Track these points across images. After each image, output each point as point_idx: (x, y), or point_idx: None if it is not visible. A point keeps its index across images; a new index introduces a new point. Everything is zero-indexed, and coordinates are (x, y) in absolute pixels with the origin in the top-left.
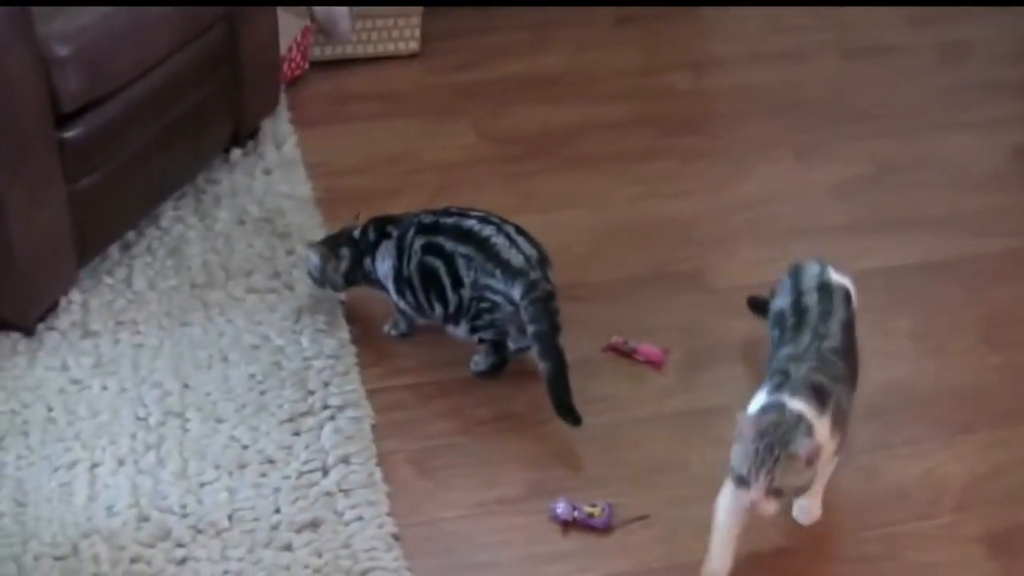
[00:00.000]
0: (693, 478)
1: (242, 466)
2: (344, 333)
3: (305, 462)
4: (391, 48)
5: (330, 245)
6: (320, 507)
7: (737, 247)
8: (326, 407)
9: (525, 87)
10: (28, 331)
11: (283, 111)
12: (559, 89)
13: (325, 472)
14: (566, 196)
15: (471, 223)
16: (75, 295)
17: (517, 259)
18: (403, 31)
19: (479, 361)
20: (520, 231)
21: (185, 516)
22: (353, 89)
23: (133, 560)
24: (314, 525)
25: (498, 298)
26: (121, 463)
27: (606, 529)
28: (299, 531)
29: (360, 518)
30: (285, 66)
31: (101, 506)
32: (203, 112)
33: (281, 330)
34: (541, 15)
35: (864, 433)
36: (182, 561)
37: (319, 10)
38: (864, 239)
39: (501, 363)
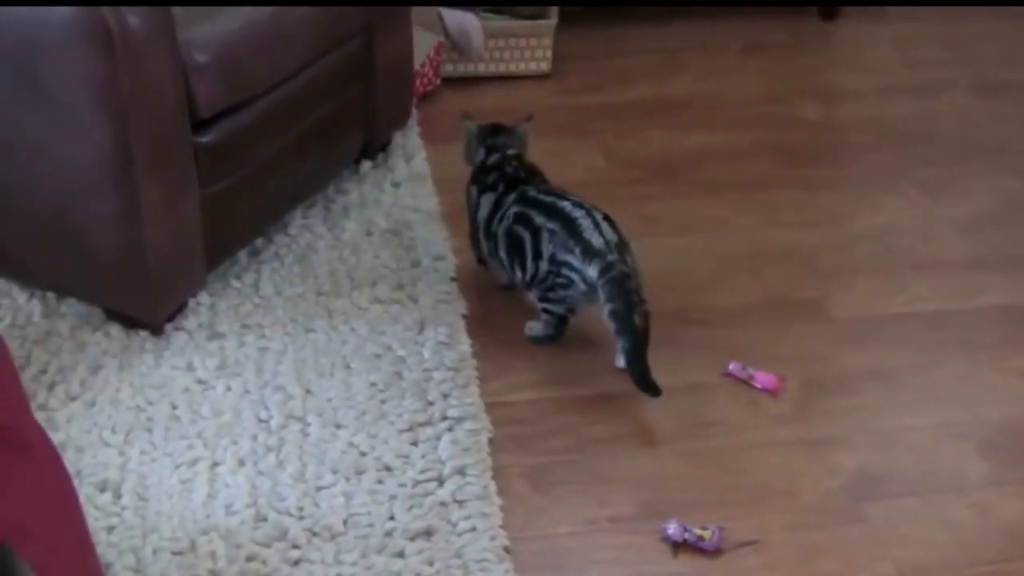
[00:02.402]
0: (804, 506)
1: (359, 472)
2: (465, 346)
3: (421, 471)
4: (522, 68)
5: (482, 135)
6: (434, 516)
7: (858, 278)
8: (445, 418)
9: (653, 111)
10: (156, 330)
11: (414, 125)
12: (686, 114)
13: (441, 482)
14: (689, 221)
15: (565, 204)
16: (203, 297)
17: (598, 241)
18: (535, 51)
19: (535, 328)
20: (607, 218)
21: (301, 518)
22: (483, 106)
23: (249, 559)
24: (427, 534)
25: (574, 275)
26: (241, 463)
27: (716, 552)
28: (412, 539)
29: (473, 529)
30: (417, 81)
31: (220, 504)
32: (336, 123)
33: (403, 340)
34: (670, 40)
35: (977, 470)
36: (296, 562)
37: (453, 27)
38: (984, 275)
39: (558, 336)
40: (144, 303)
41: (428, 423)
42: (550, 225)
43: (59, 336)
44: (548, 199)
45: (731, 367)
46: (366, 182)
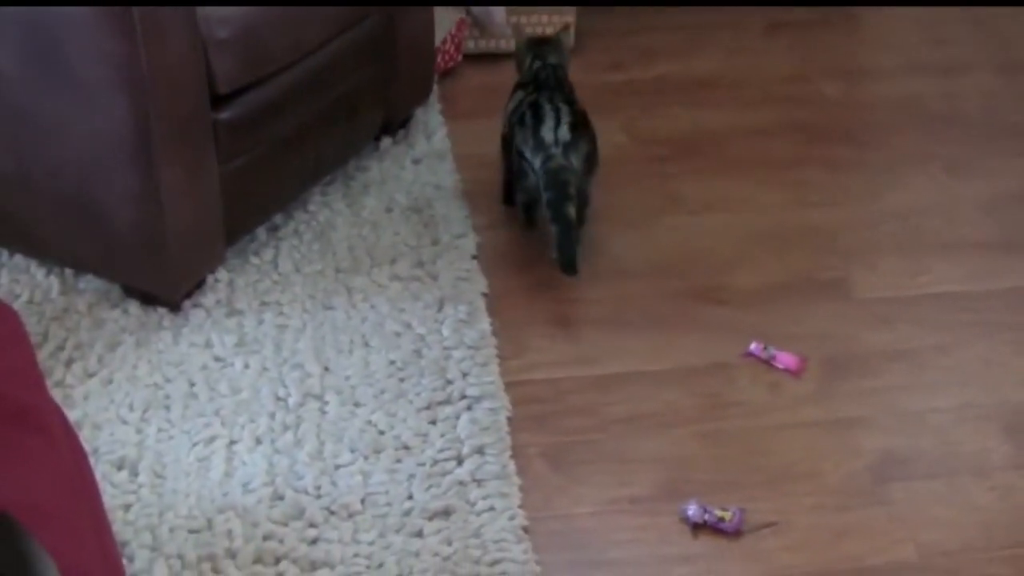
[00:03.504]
0: (826, 487)
1: (377, 451)
2: (485, 325)
3: (440, 450)
4: None
5: (530, 44)
6: (453, 496)
7: (881, 258)
8: (464, 397)
9: (675, 89)
10: (175, 307)
11: (435, 102)
12: (709, 92)
13: (459, 461)
14: (712, 200)
15: (545, 105)
16: (222, 274)
17: (549, 137)
18: (558, 28)
19: (519, 214)
20: (576, 124)
21: (319, 497)
22: (505, 83)
23: (266, 537)
24: (446, 513)
25: (525, 165)
26: (259, 441)
27: (736, 533)
28: (431, 518)
29: (492, 509)
30: (439, 57)
31: (237, 483)
32: (356, 99)
33: (423, 319)
34: (694, 18)
35: (1001, 452)
36: (313, 541)
37: (475, 4)
38: (1010, 256)
39: (528, 225)
40: (162, 280)
41: (447, 402)
42: (527, 121)
43: (77, 313)
44: (545, 102)
45: (752, 347)
46: (386, 159)
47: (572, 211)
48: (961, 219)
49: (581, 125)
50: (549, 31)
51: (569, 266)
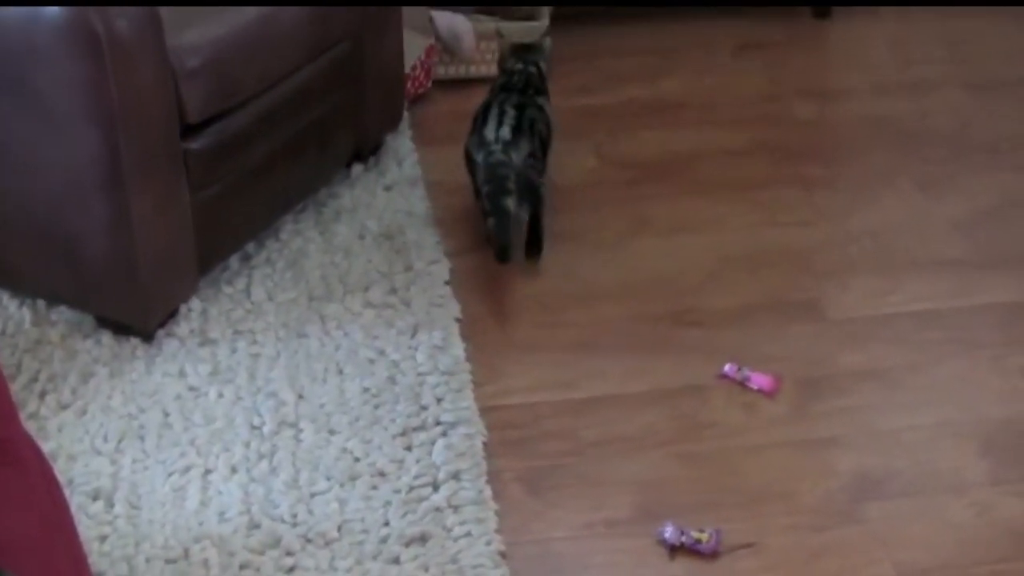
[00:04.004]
0: (802, 507)
1: (353, 478)
2: (459, 350)
3: (416, 477)
4: None
5: (513, 49)
6: (429, 522)
7: (855, 277)
8: (439, 423)
9: (646, 111)
10: (148, 337)
11: (405, 128)
12: (680, 114)
13: (435, 487)
14: (684, 221)
15: (493, 107)
16: (195, 303)
17: (491, 135)
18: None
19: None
20: (518, 127)
21: (295, 525)
22: (475, 108)
23: (242, 566)
24: (422, 539)
25: (472, 163)
26: (234, 470)
27: (713, 555)
28: (407, 545)
29: (468, 534)
30: (409, 84)
31: (213, 512)
32: (327, 127)
33: (397, 345)
34: (663, 40)
35: (977, 469)
36: (290, 569)
37: (443, 28)
38: (983, 273)
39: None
40: (135, 310)
41: (422, 428)
42: (476, 122)
43: (50, 344)
44: (495, 105)
45: (727, 368)
46: (358, 186)
47: (510, 204)
48: (933, 237)
49: (526, 128)
50: (528, 40)
51: (503, 253)
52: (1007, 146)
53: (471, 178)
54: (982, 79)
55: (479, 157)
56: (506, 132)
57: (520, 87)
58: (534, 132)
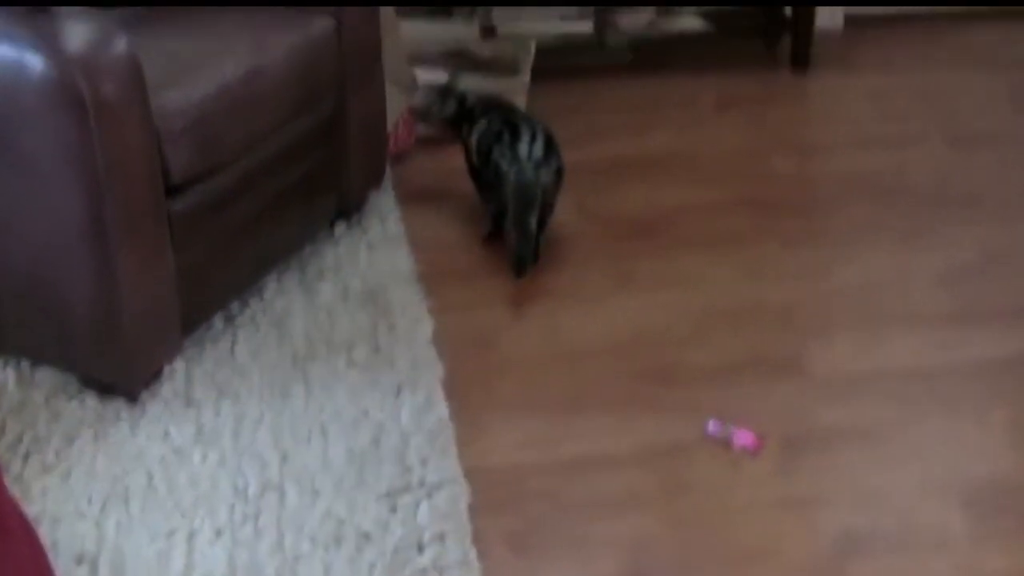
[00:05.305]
0: (788, 566)
1: (338, 540)
2: (443, 410)
3: (401, 539)
4: None
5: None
6: None
7: (837, 333)
8: (423, 484)
9: (628, 167)
10: (132, 397)
11: (388, 187)
12: (661, 170)
13: (420, 549)
14: (666, 277)
15: (522, 123)
16: (179, 363)
17: (523, 151)
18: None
19: (484, 225)
20: (548, 143)
21: None
22: (458, 165)
23: None
24: None
25: (502, 175)
26: (219, 533)
27: None
28: None
29: None
30: (391, 142)
31: None
32: (310, 185)
33: (381, 405)
34: (644, 96)
35: (962, 526)
36: None
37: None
38: (965, 328)
39: (498, 232)
40: (119, 370)
41: (407, 489)
42: (504, 138)
43: (34, 405)
44: (522, 122)
45: (711, 426)
46: (341, 244)
47: (534, 222)
48: (915, 292)
49: (556, 144)
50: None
51: (520, 268)
52: (987, 200)
53: (476, 181)
54: (960, 133)
55: (511, 173)
56: (538, 150)
57: (496, 106)
58: (558, 149)
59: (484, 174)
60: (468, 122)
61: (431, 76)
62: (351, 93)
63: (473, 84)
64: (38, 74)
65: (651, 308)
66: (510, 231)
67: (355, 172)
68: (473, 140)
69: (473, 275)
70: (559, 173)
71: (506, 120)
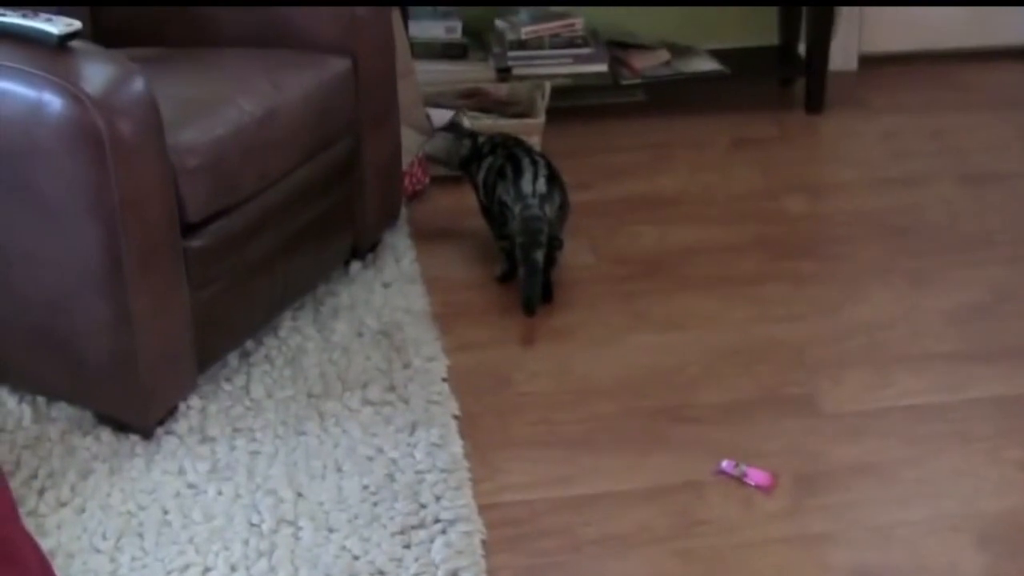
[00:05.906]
0: None
1: None
2: (457, 448)
3: (415, 575)
4: None
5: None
6: None
7: (848, 372)
8: (437, 521)
9: (641, 207)
10: (147, 434)
11: (403, 225)
12: (674, 210)
13: None
14: (679, 317)
15: (524, 158)
16: (194, 400)
17: (527, 187)
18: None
19: (498, 268)
20: (549, 176)
21: None
22: (472, 205)
23: None
24: None
25: (507, 212)
26: (233, 569)
27: None
28: None
29: None
30: (406, 181)
31: None
32: (325, 224)
33: (395, 443)
34: (658, 136)
35: (974, 564)
36: None
37: (440, 126)
38: (976, 367)
39: (512, 272)
40: (135, 407)
41: (421, 526)
42: (507, 174)
43: (49, 441)
44: (524, 156)
45: (723, 464)
46: (356, 283)
47: (539, 257)
48: (926, 330)
49: (557, 177)
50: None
51: (530, 306)
52: (998, 239)
53: (488, 219)
54: (972, 173)
55: (516, 209)
56: (542, 185)
57: (501, 142)
58: (562, 182)
59: (492, 211)
60: (477, 160)
61: (443, 116)
62: (367, 133)
63: (488, 125)
64: (57, 113)
65: (664, 347)
66: (521, 269)
67: (370, 211)
68: (480, 178)
69: (488, 314)
70: (563, 207)
71: (509, 155)
